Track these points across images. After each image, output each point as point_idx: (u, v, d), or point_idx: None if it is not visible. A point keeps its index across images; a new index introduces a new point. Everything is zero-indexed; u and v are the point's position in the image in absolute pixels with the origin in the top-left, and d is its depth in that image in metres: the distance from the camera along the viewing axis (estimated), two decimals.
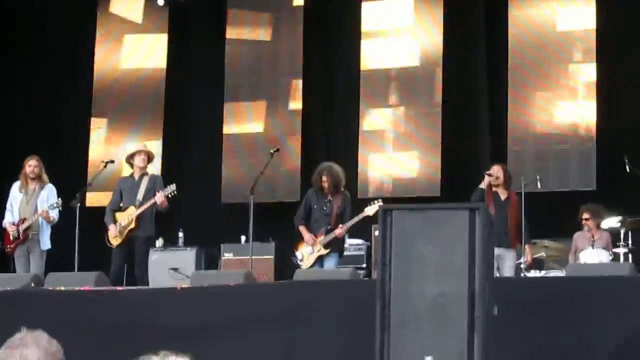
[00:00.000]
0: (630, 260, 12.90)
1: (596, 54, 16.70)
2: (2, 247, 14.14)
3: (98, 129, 18.11)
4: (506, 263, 12.46)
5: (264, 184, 15.25)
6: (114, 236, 13.55)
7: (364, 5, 17.85)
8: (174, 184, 13.63)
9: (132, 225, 13.52)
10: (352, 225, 13.59)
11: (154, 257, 14.38)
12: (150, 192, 13.58)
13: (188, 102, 18.53)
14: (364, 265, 13.89)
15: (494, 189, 13.35)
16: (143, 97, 18.76)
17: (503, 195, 13.37)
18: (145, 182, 13.73)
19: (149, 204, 13.53)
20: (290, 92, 18.17)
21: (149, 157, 14.00)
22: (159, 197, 13.41)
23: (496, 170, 13.44)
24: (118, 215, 13.63)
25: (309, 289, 11.75)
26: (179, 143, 18.10)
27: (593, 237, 13.64)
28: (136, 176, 13.88)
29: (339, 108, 17.89)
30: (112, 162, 15.54)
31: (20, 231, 13.95)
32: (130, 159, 14.07)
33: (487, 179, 13.25)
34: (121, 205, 13.70)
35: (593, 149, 16.48)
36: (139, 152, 13.98)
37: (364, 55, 17.83)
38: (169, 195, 13.52)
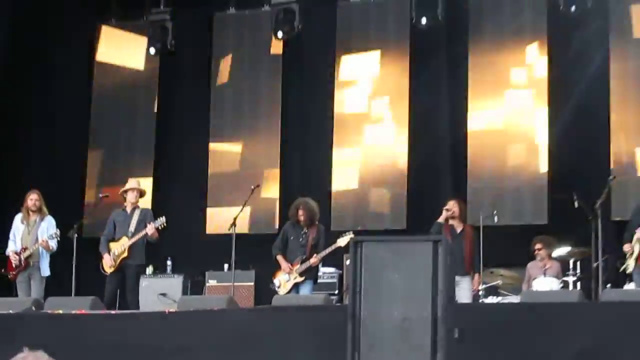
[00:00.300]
0: (578, 288, 12.93)
1: (547, 101, 16.76)
2: (5, 274, 14.09)
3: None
4: (462, 287, 12.45)
5: (245, 216, 15.24)
6: (108, 264, 13.53)
7: (336, 54, 17.88)
8: (164, 217, 13.66)
9: (125, 254, 13.53)
10: (326, 255, 13.61)
11: (144, 283, 14.35)
12: (141, 224, 13.61)
13: (176, 141, 18.52)
14: (336, 292, 13.87)
15: (450, 221, 13.38)
16: (137, 136, 18.71)
17: (459, 228, 13.42)
18: (136, 215, 13.76)
19: (140, 235, 13.53)
20: (269, 133, 18.14)
21: (141, 194, 14.13)
22: (150, 229, 13.44)
23: (452, 205, 13.47)
24: (112, 244, 13.63)
25: (286, 314, 11.72)
26: (167, 178, 18.06)
27: (545, 266, 13.72)
28: (128, 209, 13.90)
29: (314, 147, 17.87)
30: (107, 196, 15.64)
31: (22, 259, 13.98)
32: (124, 193, 14.09)
33: (444, 213, 13.29)
34: (114, 236, 13.68)
35: (545, 187, 16.51)
36: (132, 189, 14.04)
37: (336, 99, 17.84)
38: (159, 227, 13.56)
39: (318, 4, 17.38)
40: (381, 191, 17.54)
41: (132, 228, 13.64)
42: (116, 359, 10.48)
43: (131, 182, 14.31)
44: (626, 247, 12.60)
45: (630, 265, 12.54)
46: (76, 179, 18.28)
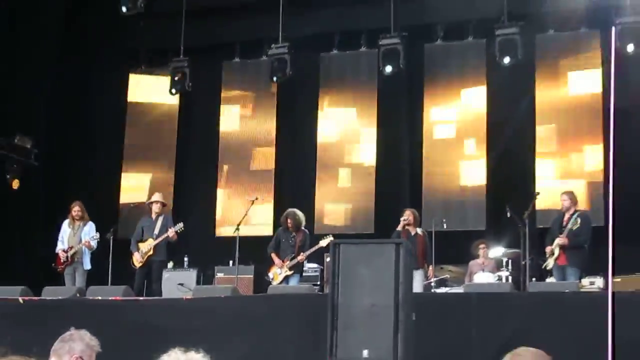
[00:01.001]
0: (510, 281, 12.99)
1: (486, 132, 16.88)
2: (55, 267, 14.12)
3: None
4: (416, 279, 12.49)
5: (246, 222, 15.31)
6: (138, 260, 13.63)
7: (320, 93, 18.00)
8: (182, 223, 13.80)
9: (151, 252, 13.65)
10: (310, 253, 13.69)
11: (166, 275, 14.32)
12: (163, 228, 13.74)
13: (192, 162, 18.56)
14: (318, 283, 13.89)
15: (407, 227, 13.38)
16: (160, 159, 18.78)
17: (413, 232, 13.36)
18: (160, 221, 13.88)
19: (163, 237, 13.65)
20: (265, 156, 18.21)
21: (163, 205, 14.17)
22: (171, 232, 13.60)
23: (407, 214, 13.46)
24: (140, 244, 13.73)
25: (278, 300, 11.81)
26: (185, 193, 18.07)
27: (484, 263, 13.80)
28: (153, 217, 14.03)
29: (300, 168, 17.94)
30: (137, 205, 15.80)
31: (69, 256, 14.00)
32: (150, 204, 14.23)
33: (402, 222, 13.34)
34: (142, 238, 13.78)
35: (484, 201, 16.59)
36: (156, 201, 14.16)
37: (320, 129, 17.96)
38: (178, 231, 13.66)
39: (305, 55, 17.36)
40: (355, 204, 17.63)
41: (156, 231, 13.76)
42: (143, 337, 10.49)
43: (156, 196, 14.34)
44: (547, 249, 12.67)
45: (550, 263, 12.60)
46: (112, 192, 18.29)
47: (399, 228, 13.33)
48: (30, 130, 16.76)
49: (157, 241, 13.69)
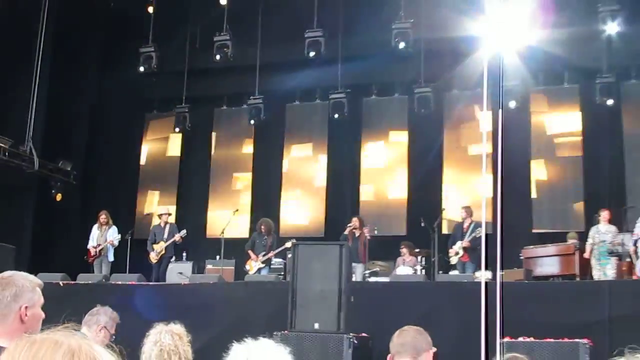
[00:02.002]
0: (423, 273, 13.04)
1: (407, 163, 17.00)
2: (87, 259, 14.07)
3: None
4: (357, 271, 12.49)
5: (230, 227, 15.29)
6: (154, 258, 13.59)
7: (285, 135, 18.01)
8: (185, 230, 13.83)
9: (163, 252, 13.57)
10: (277, 252, 13.69)
11: (169, 267, 14.24)
12: (171, 234, 13.70)
13: (193, 183, 18.52)
14: (282, 273, 13.87)
15: (353, 230, 13.34)
16: (167, 182, 18.71)
17: (357, 233, 13.31)
18: (167, 228, 13.83)
19: (172, 240, 13.63)
20: (243, 179, 18.22)
21: (169, 216, 14.14)
22: (177, 237, 13.59)
23: (354, 220, 13.44)
24: (154, 246, 13.67)
25: (253, 285, 11.82)
26: (186, 208, 18.03)
27: (404, 260, 13.82)
28: (162, 225, 13.93)
29: (270, 188, 17.97)
30: (149, 214, 15.76)
31: (97, 251, 13.96)
32: (160, 216, 14.21)
33: (348, 228, 13.33)
34: (154, 241, 13.73)
35: (405, 213, 16.69)
36: (164, 213, 14.18)
37: (286, 161, 17.96)
38: (182, 236, 13.65)
39: (275, 105, 17.41)
40: (310, 214, 17.65)
41: (165, 236, 13.69)
42: (152, 312, 10.44)
43: (164, 209, 14.44)
44: (452, 250, 12.77)
45: (453, 260, 12.73)
46: (130, 205, 18.25)
47: (346, 232, 13.28)
48: (71, 157, 16.70)
49: (167, 243, 13.63)
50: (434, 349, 3.57)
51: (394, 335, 3.51)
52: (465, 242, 12.56)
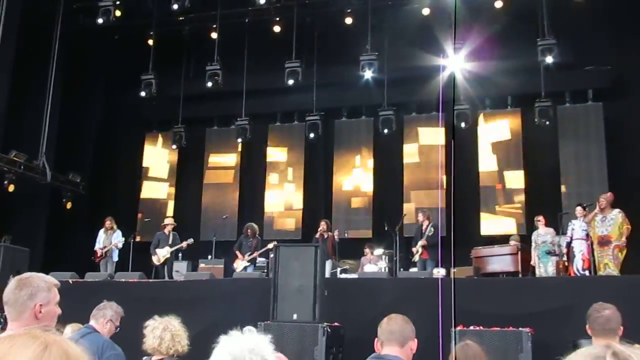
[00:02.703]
0: (387, 270, 13.02)
1: (373, 174, 17.01)
2: (94, 259, 13.94)
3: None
4: (327, 266, 12.44)
5: (219, 231, 15.23)
6: (158, 261, 13.45)
7: (267, 148, 17.97)
8: (192, 239, 13.90)
9: (168, 256, 13.46)
10: (261, 252, 13.63)
11: None
12: (175, 241, 13.62)
13: (186, 192, 18.42)
14: (266, 271, 13.80)
15: (322, 233, 13.31)
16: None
17: (326, 235, 13.27)
18: (171, 236, 13.65)
19: (178, 246, 13.59)
20: (233, 188, 18.14)
21: (174, 226, 13.94)
22: (184, 244, 13.59)
23: (322, 224, 13.41)
24: (157, 250, 13.50)
25: (240, 281, 11.75)
26: (182, 212, 17.90)
27: (370, 259, 13.79)
28: (166, 232, 13.74)
29: (256, 198, 17.90)
30: (150, 220, 15.61)
31: (103, 252, 13.81)
32: (164, 225, 13.97)
33: (319, 231, 13.29)
34: (158, 246, 13.61)
35: (371, 218, 16.71)
36: (168, 224, 13.92)
37: (268, 171, 17.94)
38: (189, 243, 13.66)
39: (259, 125, 17.41)
40: (289, 220, 17.60)
41: (170, 242, 13.52)
42: (152, 306, 10.34)
43: (168, 220, 14.16)
44: (414, 249, 12.77)
45: (416, 258, 12.73)
46: (132, 212, 18.07)
47: (317, 235, 13.30)
48: (80, 170, 16.59)
49: (173, 249, 13.50)
50: (415, 340, 3.41)
51: (382, 322, 3.33)
52: (422, 241, 12.57)
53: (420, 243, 12.61)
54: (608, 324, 3.82)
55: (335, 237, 13.56)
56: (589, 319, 3.90)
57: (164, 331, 4.36)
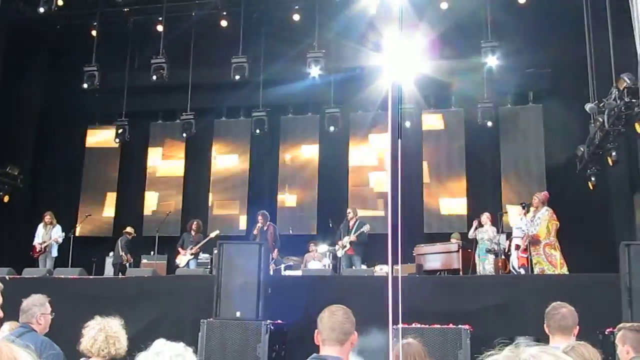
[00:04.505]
0: (331, 267, 13.08)
1: (317, 176, 17.07)
2: (32, 255, 13.62)
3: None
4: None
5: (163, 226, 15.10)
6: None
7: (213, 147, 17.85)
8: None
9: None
10: (204, 242, 13.55)
11: (108, 260, 13.83)
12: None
13: (129, 190, 18.16)
14: (209, 267, 13.71)
15: (260, 225, 13.04)
16: (107, 183, 18.28)
17: (265, 227, 13.00)
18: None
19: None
20: (177, 184, 17.95)
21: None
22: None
23: (259, 218, 13.15)
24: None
25: (182, 278, 11.69)
26: (124, 207, 17.63)
27: (314, 256, 13.84)
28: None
29: (200, 192, 17.77)
30: (90, 215, 15.19)
31: (42, 247, 13.50)
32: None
33: (257, 226, 13.09)
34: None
35: (315, 215, 16.75)
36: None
37: (212, 168, 17.83)
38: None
39: (205, 120, 17.28)
40: (234, 215, 17.53)
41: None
42: (93, 304, 10.19)
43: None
44: (339, 243, 12.76)
45: (339, 252, 12.75)
46: (71, 206, 17.72)
47: (255, 232, 13.10)
48: (18, 163, 16.17)
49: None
50: (355, 333, 3.37)
51: (323, 316, 3.27)
52: (352, 237, 12.61)
53: (348, 239, 12.63)
54: (564, 321, 3.96)
55: (268, 229, 13.28)
56: (547, 317, 4.04)
57: (99, 332, 4.22)
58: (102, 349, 4.14)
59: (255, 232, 13.13)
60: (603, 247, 12.63)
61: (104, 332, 4.20)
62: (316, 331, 3.25)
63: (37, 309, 4.84)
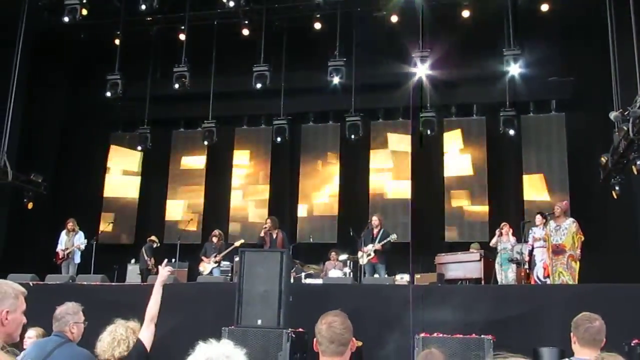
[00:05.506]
0: (351, 276, 13.02)
1: (339, 185, 17.01)
2: (55, 261, 13.70)
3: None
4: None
5: (185, 235, 15.14)
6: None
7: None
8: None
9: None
10: (228, 251, 13.60)
11: (130, 268, 13.91)
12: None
13: (154, 197, 18.28)
14: (231, 275, 13.72)
15: (269, 231, 12.50)
16: (127, 193, 18.35)
17: (274, 234, 12.52)
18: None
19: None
20: (198, 193, 18.00)
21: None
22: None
23: (267, 221, 12.75)
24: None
25: (205, 285, 11.67)
26: (146, 216, 17.72)
27: (335, 264, 13.79)
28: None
29: (220, 201, 17.82)
30: (112, 223, 15.33)
31: (65, 254, 13.59)
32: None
33: (263, 229, 12.73)
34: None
35: (336, 225, 16.72)
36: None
37: (233, 176, 17.85)
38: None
39: (226, 129, 17.35)
40: (256, 224, 17.53)
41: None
42: (112, 309, 10.22)
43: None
44: (363, 251, 12.66)
45: (363, 260, 12.63)
46: (94, 214, 17.85)
47: (262, 234, 12.67)
48: (41, 170, 16.30)
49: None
50: (360, 343, 3.30)
51: (321, 326, 3.14)
52: (377, 245, 12.48)
53: (373, 247, 12.49)
54: (599, 335, 3.89)
55: (278, 234, 12.82)
56: (578, 329, 3.93)
57: (108, 334, 4.35)
58: (105, 351, 4.34)
59: (262, 234, 12.84)
60: (627, 258, 12.46)
61: (112, 334, 4.34)
62: (315, 340, 3.18)
63: (71, 317, 4.84)
